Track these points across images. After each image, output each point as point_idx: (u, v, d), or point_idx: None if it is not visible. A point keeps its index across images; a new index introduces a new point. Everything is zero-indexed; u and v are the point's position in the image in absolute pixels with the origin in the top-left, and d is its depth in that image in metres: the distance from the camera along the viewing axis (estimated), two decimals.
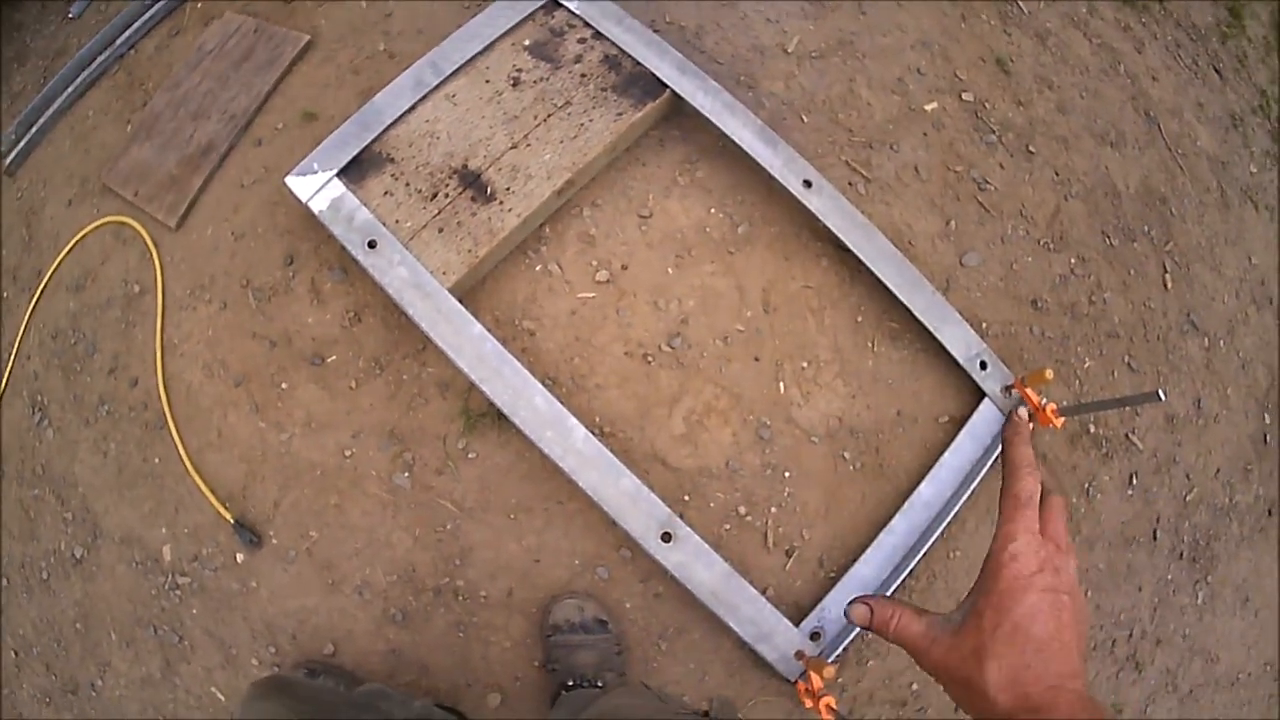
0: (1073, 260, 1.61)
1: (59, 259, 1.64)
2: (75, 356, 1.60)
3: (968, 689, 0.46)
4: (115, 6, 1.79)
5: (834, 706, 1.21)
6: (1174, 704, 1.65)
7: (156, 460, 1.49)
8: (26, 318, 1.65)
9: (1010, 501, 0.50)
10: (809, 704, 1.25)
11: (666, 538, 1.29)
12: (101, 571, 1.53)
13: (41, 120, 1.75)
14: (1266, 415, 1.81)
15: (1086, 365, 1.59)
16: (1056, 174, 1.65)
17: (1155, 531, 1.64)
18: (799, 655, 1.32)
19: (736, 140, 1.41)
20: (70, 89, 1.73)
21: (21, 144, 1.75)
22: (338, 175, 1.38)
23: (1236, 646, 1.72)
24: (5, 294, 1.72)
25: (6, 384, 1.65)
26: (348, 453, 1.38)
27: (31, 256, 1.70)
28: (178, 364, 1.49)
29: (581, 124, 1.40)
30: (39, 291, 1.65)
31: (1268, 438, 1.80)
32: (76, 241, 1.64)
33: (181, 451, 1.46)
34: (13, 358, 1.65)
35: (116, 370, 1.55)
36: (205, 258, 1.51)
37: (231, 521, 1.42)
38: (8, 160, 1.76)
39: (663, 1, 1.57)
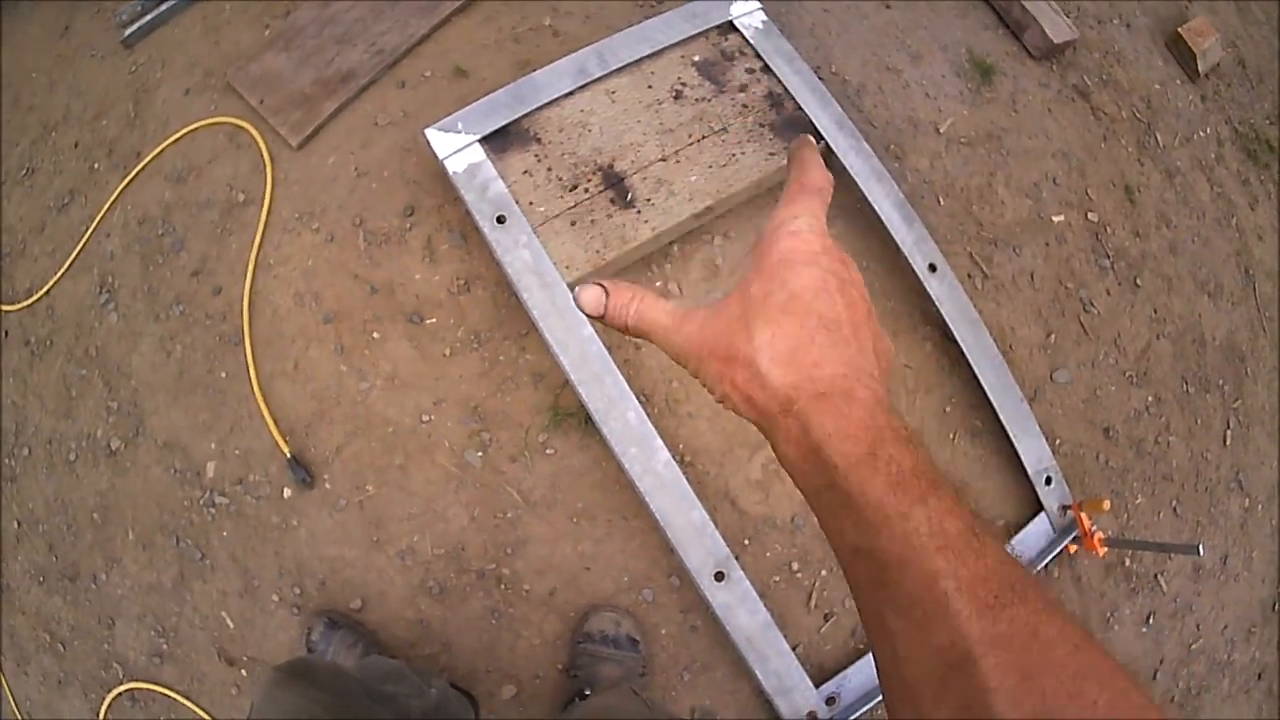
0: (1150, 398, 1.65)
1: (164, 144, 1.60)
2: (159, 248, 1.56)
3: (730, 363, 0.35)
4: None
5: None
6: None
7: (223, 374, 1.47)
8: (116, 195, 1.61)
9: (795, 188, 0.38)
10: None
11: (720, 577, 1.30)
12: (135, 469, 1.51)
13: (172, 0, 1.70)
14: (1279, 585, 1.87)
15: (1138, 501, 1.62)
16: (1155, 311, 1.68)
17: (1156, 673, 1.68)
18: (811, 716, 1.34)
19: (876, 208, 1.42)
20: None
21: (147, 18, 1.70)
22: (480, 141, 1.36)
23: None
24: (96, 165, 1.67)
25: (78, 256, 1.61)
26: (425, 418, 1.37)
27: (134, 135, 1.65)
28: (269, 284, 1.47)
29: (734, 154, 1.40)
30: (136, 172, 1.60)
31: (1276, 606, 1.86)
32: (187, 132, 1.60)
33: (252, 372, 1.44)
34: (90, 231, 1.61)
35: (201, 274, 1.52)
36: (322, 186, 1.48)
37: (288, 455, 1.40)
38: (127, 31, 1.70)
39: (831, 49, 1.56)
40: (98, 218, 1.61)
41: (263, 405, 1.43)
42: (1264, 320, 1.87)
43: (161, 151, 1.60)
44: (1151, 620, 1.66)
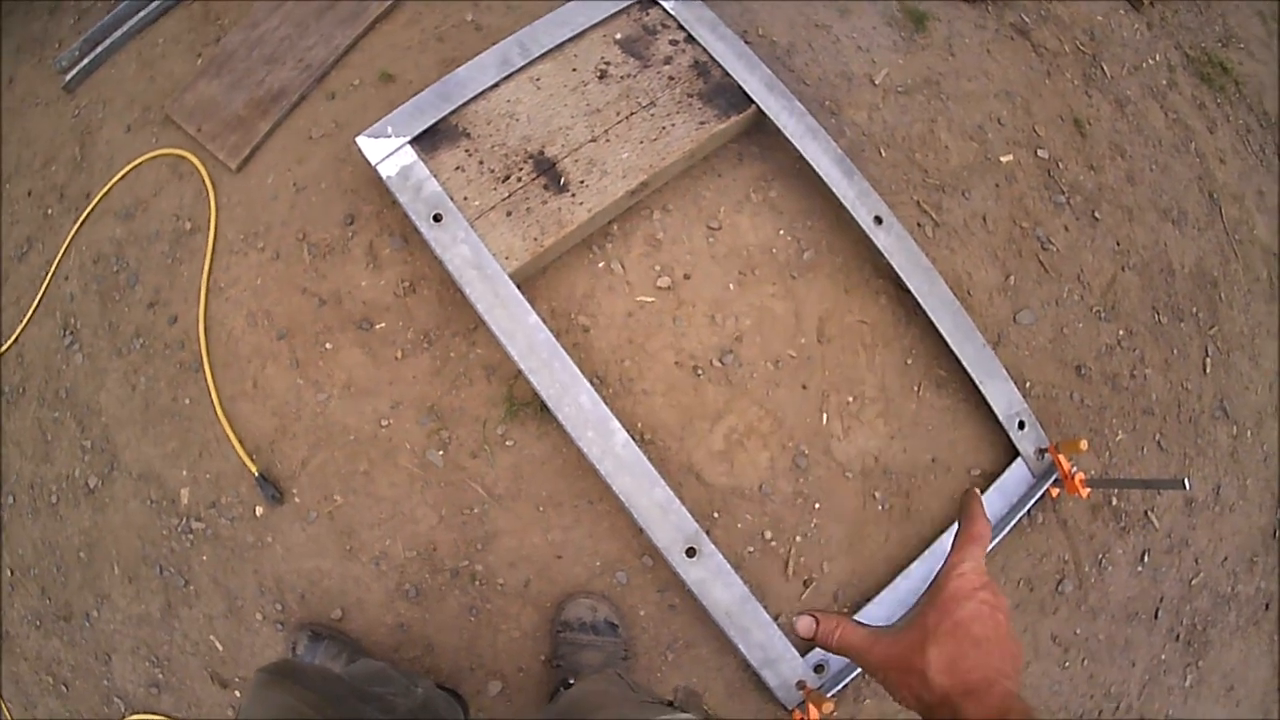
0: (1121, 332, 1.62)
1: (111, 183, 1.62)
2: (115, 285, 1.58)
3: (908, 673, 0.50)
4: None
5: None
6: None
7: (187, 401, 1.48)
8: (70, 238, 1.63)
9: (966, 538, 0.54)
10: None
11: (691, 552, 1.29)
12: (114, 504, 1.52)
13: (109, 40, 1.72)
14: (1279, 511, 1.83)
15: (1119, 438, 1.59)
16: (1117, 244, 1.65)
17: (1158, 610, 1.65)
18: (800, 685, 1.33)
19: (814, 166, 1.40)
20: (143, 13, 1.70)
21: (85, 62, 1.72)
22: (411, 142, 1.36)
23: None
24: (49, 210, 1.69)
25: (40, 301, 1.63)
26: (384, 422, 1.37)
27: (82, 177, 1.67)
28: (221, 308, 1.48)
29: (664, 127, 1.39)
30: (86, 213, 1.62)
31: (1276, 533, 1.82)
32: (131, 168, 1.61)
33: (214, 396, 1.45)
34: (50, 275, 1.63)
35: (157, 305, 1.54)
36: (263, 205, 1.49)
37: (256, 474, 1.41)
38: (68, 77, 1.73)
39: (757, 13, 1.55)
40: (55, 262, 1.63)
41: (227, 427, 1.44)
42: (1233, 244, 1.83)
43: (109, 190, 1.62)
44: (1146, 558, 1.62)
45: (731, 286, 1.39)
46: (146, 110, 1.64)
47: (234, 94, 1.56)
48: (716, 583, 1.29)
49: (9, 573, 1.60)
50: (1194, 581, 1.68)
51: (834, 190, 1.40)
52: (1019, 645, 0.51)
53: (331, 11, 1.58)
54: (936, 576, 0.53)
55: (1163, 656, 1.66)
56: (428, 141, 1.38)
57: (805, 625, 0.55)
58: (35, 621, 1.56)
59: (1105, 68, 1.78)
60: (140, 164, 1.61)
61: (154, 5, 1.69)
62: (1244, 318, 1.81)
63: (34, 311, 1.63)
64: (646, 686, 1.31)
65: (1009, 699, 0.46)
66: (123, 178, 1.62)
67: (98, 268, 1.60)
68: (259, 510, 1.43)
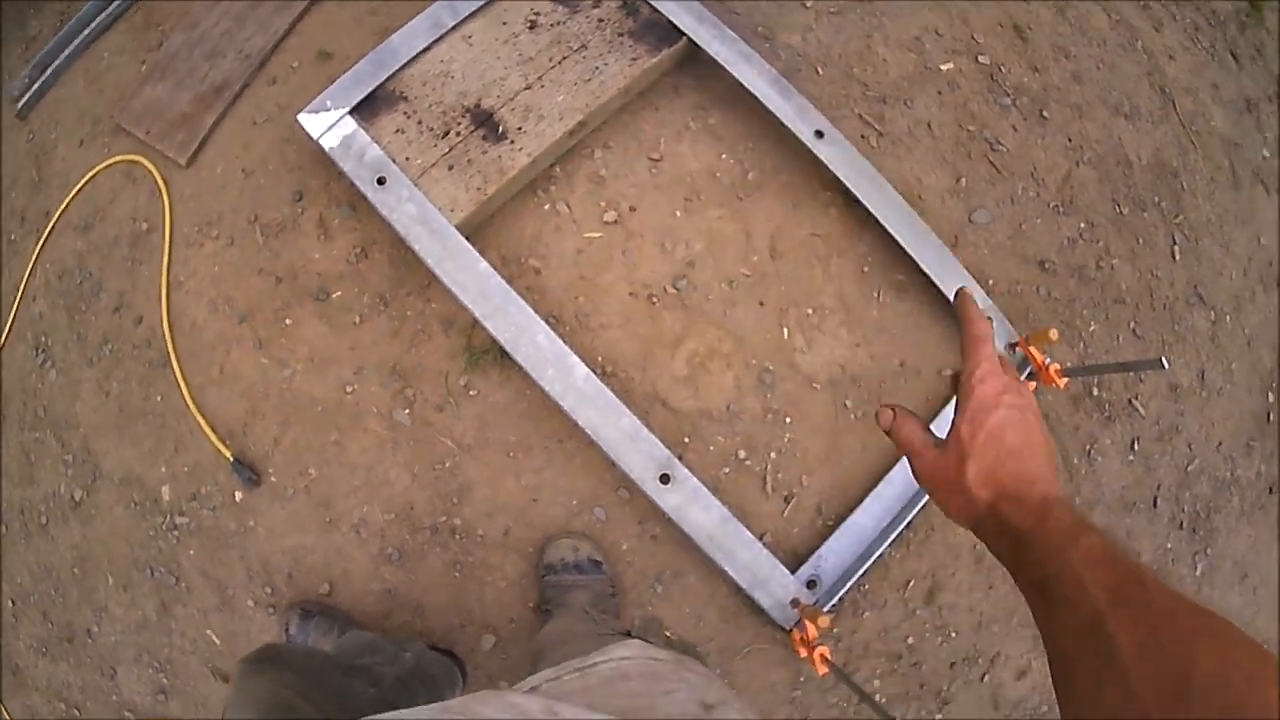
0: (1082, 225, 1.61)
1: (68, 199, 1.64)
2: (81, 296, 1.60)
3: (951, 491, 0.52)
4: None
5: (828, 656, 1.19)
6: None
7: (158, 398, 1.49)
8: (33, 259, 1.65)
9: (970, 340, 0.55)
10: (803, 653, 1.24)
11: (665, 479, 1.28)
12: (100, 514, 1.53)
13: (56, 63, 1.75)
14: (1270, 394, 1.79)
15: (1092, 329, 1.58)
16: (1069, 140, 1.64)
17: (1155, 499, 1.62)
18: (795, 603, 1.30)
19: (750, 89, 1.41)
20: (86, 31, 1.74)
21: (35, 87, 1.75)
22: (350, 113, 1.38)
23: (1235, 622, 1.70)
24: (12, 236, 1.72)
25: (11, 327, 1.65)
26: (349, 389, 1.38)
27: (40, 197, 1.70)
28: (183, 301, 1.49)
29: (596, 67, 1.40)
30: (47, 232, 1.65)
31: (1270, 416, 1.79)
32: (87, 181, 1.64)
33: (183, 389, 1.46)
34: (18, 300, 1.65)
35: (121, 308, 1.55)
36: (214, 195, 1.51)
37: (230, 459, 1.41)
38: (19, 104, 1.76)
39: None
40: (21, 286, 1.65)
41: (198, 417, 1.44)
42: (1191, 135, 1.82)
43: (67, 206, 1.65)
44: (1136, 447, 1.60)
45: (678, 214, 1.39)
46: (97, 123, 1.67)
47: (179, 93, 1.59)
48: (694, 507, 1.28)
49: (10, 603, 1.60)
50: (1190, 468, 1.65)
51: (772, 110, 1.41)
52: (1052, 443, 0.54)
53: (266, 1, 1.61)
54: (960, 380, 0.54)
55: (1169, 546, 1.63)
56: (367, 110, 1.40)
57: (885, 417, 0.57)
58: (41, 649, 1.56)
59: None
60: (95, 175, 1.63)
61: (97, 20, 1.73)
62: (1209, 205, 1.80)
63: (7, 336, 1.65)
64: (611, 621, 1.30)
65: (1049, 499, 0.48)
66: (79, 191, 1.64)
67: (62, 283, 1.62)
68: (238, 495, 1.43)
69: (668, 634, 1.29)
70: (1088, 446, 1.53)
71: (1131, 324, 1.61)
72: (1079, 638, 0.40)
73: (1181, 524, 1.62)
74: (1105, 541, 0.43)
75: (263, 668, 0.84)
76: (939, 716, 1.45)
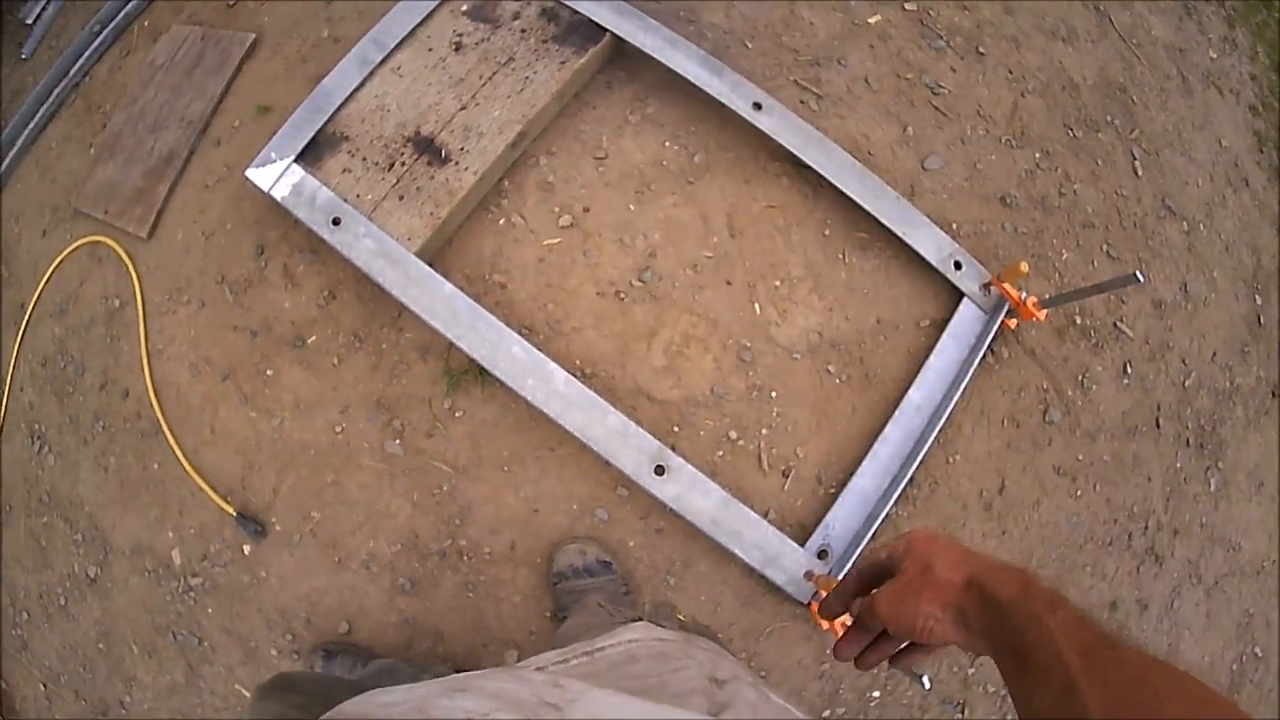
0: (1037, 155, 1.60)
1: (39, 289, 1.67)
2: (66, 379, 1.62)
3: (920, 591, 0.53)
4: (65, 39, 1.83)
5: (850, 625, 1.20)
6: (1200, 596, 1.61)
7: (156, 466, 1.51)
8: (15, 352, 1.67)
9: (870, 566, 0.59)
10: (825, 625, 1.24)
11: (660, 471, 1.29)
12: (116, 586, 1.54)
13: (6, 161, 1.78)
14: (1258, 296, 1.78)
15: (1064, 257, 1.58)
16: (1010, 72, 1.64)
17: (1158, 420, 1.61)
18: (809, 576, 1.31)
19: (682, 73, 1.42)
20: (31, 125, 1.76)
21: None
22: (296, 160, 1.40)
23: (1257, 533, 1.69)
24: None
25: (4, 420, 1.67)
26: (338, 429, 1.39)
27: (12, 292, 1.72)
28: (165, 368, 1.51)
29: (526, 77, 1.41)
30: (24, 324, 1.67)
31: (1261, 319, 1.77)
32: (55, 268, 1.66)
33: (178, 453, 1.48)
34: (7, 392, 1.67)
35: (107, 385, 1.57)
36: (179, 261, 1.53)
37: (234, 514, 1.43)
38: None
39: None
40: (8, 380, 1.67)
41: (197, 478, 1.46)
42: (1133, 48, 1.82)
43: (40, 295, 1.67)
44: (1130, 370, 1.59)
45: (632, 207, 1.40)
46: (56, 210, 1.70)
47: (129, 169, 1.61)
48: (693, 494, 1.29)
49: (43, 687, 1.62)
50: (1187, 383, 1.64)
51: (707, 90, 1.41)
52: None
53: (199, 68, 1.63)
54: (894, 568, 0.56)
55: (1178, 465, 1.62)
56: (311, 155, 1.41)
57: (817, 609, 0.59)
58: None
59: None
60: (61, 261, 1.66)
61: (40, 114, 1.75)
62: (1164, 116, 1.79)
63: (1, 431, 1.67)
64: (625, 610, 1.30)
65: (1027, 573, 0.49)
66: (49, 280, 1.67)
67: (47, 369, 1.64)
68: (246, 549, 1.45)
69: (680, 617, 1.29)
70: (1080, 376, 1.52)
71: (1104, 246, 1.60)
72: (1053, 700, 0.41)
73: (1188, 441, 1.61)
74: (1080, 611, 0.46)
75: (272, 693, 0.86)
76: (971, 670, 1.45)
